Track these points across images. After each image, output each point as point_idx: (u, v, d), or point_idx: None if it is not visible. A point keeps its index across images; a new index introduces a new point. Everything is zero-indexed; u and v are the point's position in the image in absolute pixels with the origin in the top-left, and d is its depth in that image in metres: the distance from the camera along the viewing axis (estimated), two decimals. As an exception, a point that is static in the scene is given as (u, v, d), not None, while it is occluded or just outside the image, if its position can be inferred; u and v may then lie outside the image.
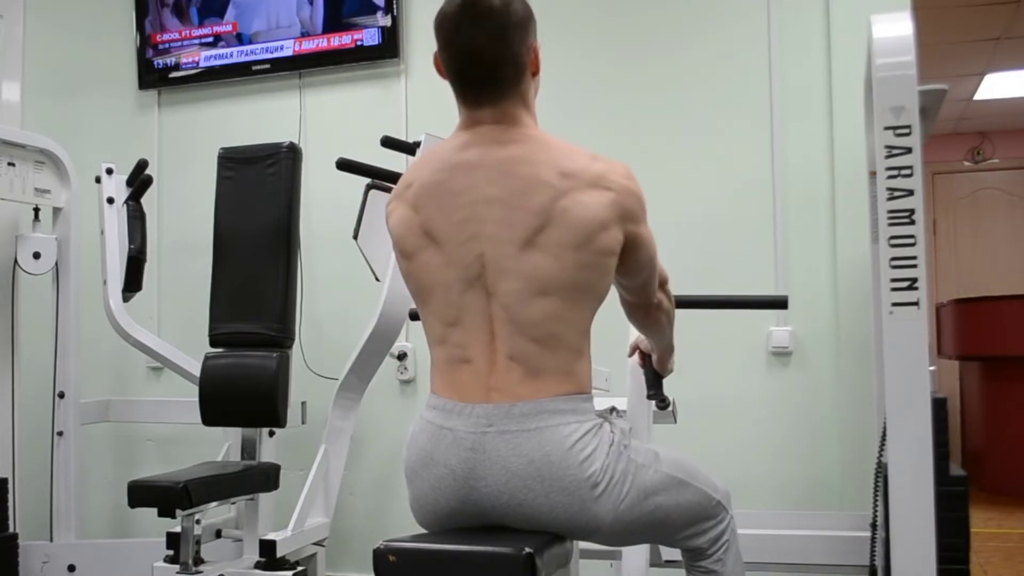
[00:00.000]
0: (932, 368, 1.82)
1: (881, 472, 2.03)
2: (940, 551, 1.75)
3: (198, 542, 2.58)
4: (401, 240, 1.54)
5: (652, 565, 2.15)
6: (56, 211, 3.10)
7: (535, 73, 1.56)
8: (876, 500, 2.06)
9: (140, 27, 3.62)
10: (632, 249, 1.52)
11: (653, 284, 1.63)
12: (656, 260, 1.61)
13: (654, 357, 1.86)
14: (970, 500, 1.87)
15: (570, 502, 1.43)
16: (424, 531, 1.55)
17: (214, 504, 2.57)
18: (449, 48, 1.50)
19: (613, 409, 1.59)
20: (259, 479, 2.69)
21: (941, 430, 1.81)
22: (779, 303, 1.93)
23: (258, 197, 2.88)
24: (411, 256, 1.53)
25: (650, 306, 1.66)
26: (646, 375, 1.88)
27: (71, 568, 2.96)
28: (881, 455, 2.05)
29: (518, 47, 1.50)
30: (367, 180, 2.76)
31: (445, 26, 1.49)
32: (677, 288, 1.74)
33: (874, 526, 2.09)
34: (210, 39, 3.54)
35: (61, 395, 3.05)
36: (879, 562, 2.06)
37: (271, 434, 2.88)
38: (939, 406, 1.81)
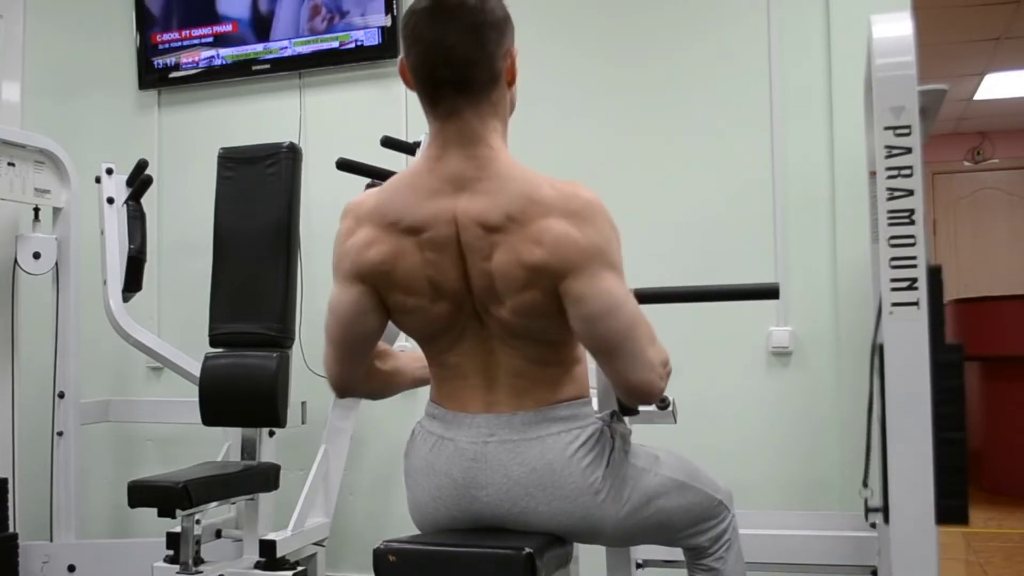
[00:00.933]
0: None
1: (877, 352, 1.99)
2: (937, 420, 1.75)
3: (198, 542, 2.58)
4: (386, 275, 1.42)
5: (651, 565, 2.16)
6: (56, 211, 3.10)
7: (511, 83, 1.44)
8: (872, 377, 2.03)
9: (140, 27, 3.62)
10: (575, 306, 1.34)
11: (631, 361, 1.36)
12: (635, 325, 1.36)
13: None
14: (964, 369, 1.85)
15: (572, 509, 1.43)
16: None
17: (214, 504, 2.57)
18: (416, 46, 1.37)
19: (614, 413, 1.59)
20: (259, 479, 2.69)
21: (936, 300, 1.79)
22: (770, 291, 1.89)
23: (258, 197, 2.88)
24: (400, 293, 1.44)
25: (636, 390, 1.39)
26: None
27: (71, 568, 2.96)
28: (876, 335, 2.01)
29: (493, 48, 1.37)
30: (367, 180, 2.76)
31: (413, 23, 1.37)
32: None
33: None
34: (210, 39, 3.54)
35: (61, 395, 3.05)
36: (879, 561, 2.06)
37: (271, 434, 2.88)
38: (934, 273, 1.80)
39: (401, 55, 1.42)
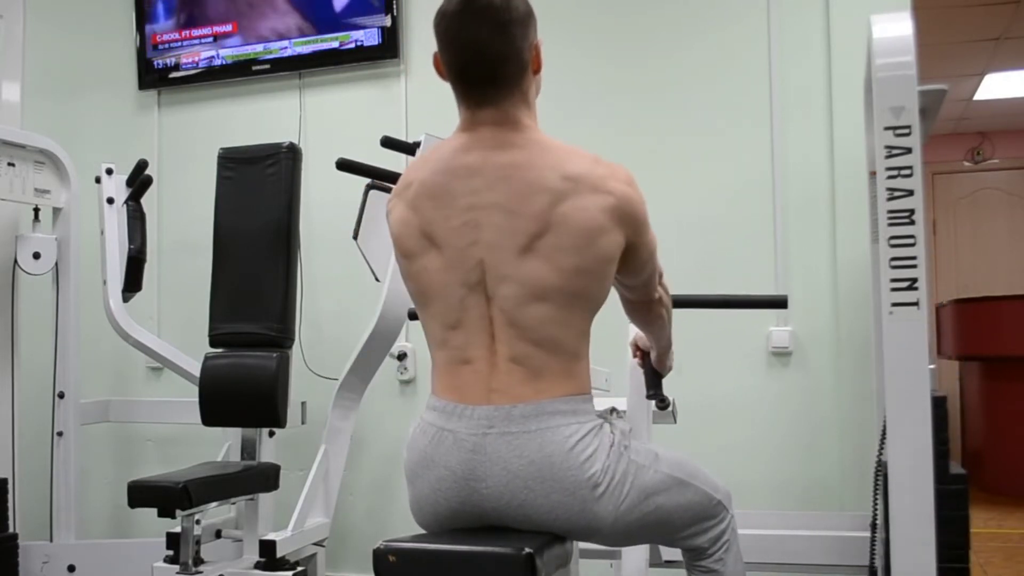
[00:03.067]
0: (932, 367, 1.82)
1: (881, 471, 2.03)
2: (940, 549, 1.75)
3: (198, 542, 2.58)
4: (400, 240, 1.53)
5: (652, 565, 2.15)
6: (56, 211, 3.10)
7: (537, 71, 1.55)
8: (876, 499, 2.06)
9: (140, 27, 3.62)
10: (633, 253, 1.52)
11: (654, 281, 1.64)
12: (656, 259, 1.61)
13: (653, 355, 1.86)
14: (970, 499, 1.87)
15: (571, 503, 1.43)
16: (424, 531, 1.55)
17: (214, 504, 2.57)
18: (451, 46, 1.48)
19: (613, 410, 1.59)
20: (259, 479, 2.69)
21: (941, 428, 1.81)
22: (779, 303, 1.92)
23: (258, 197, 2.88)
24: (411, 258, 1.52)
25: (651, 302, 1.67)
26: (645, 374, 1.88)
27: (71, 568, 2.96)
28: (881, 454, 2.05)
29: (520, 43, 1.49)
30: (367, 180, 2.76)
31: (445, 24, 1.47)
32: (676, 288, 1.75)
33: (874, 526, 2.09)
34: (210, 39, 3.54)
35: (61, 395, 3.05)
36: (879, 562, 2.06)
37: (271, 434, 2.88)
38: (939, 404, 1.81)
39: (434, 49, 1.51)
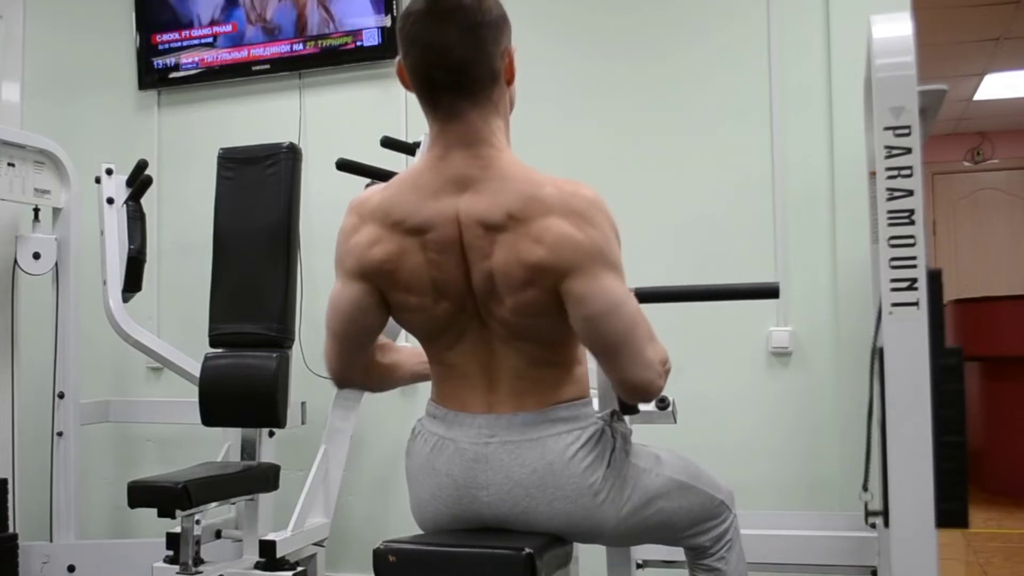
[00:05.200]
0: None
1: (877, 355, 1.99)
2: (936, 423, 1.76)
3: (198, 542, 2.58)
4: (393, 274, 1.43)
5: (651, 565, 2.16)
6: (56, 211, 3.10)
7: (510, 81, 1.43)
8: (872, 384, 2.03)
9: (140, 27, 3.62)
10: (575, 305, 1.34)
11: (631, 360, 1.37)
12: (635, 324, 1.37)
13: None
14: (964, 373, 1.85)
15: (573, 510, 1.43)
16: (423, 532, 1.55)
17: (214, 504, 2.57)
18: (414, 48, 1.36)
19: (614, 413, 1.58)
20: (259, 479, 2.69)
21: (936, 304, 1.80)
22: (770, 291, 1.89)
23: (258, 197, 2.88)
24: (407, 293, 1.44)
25: (636, 389, 1.41)
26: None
27: (71, 568, 2.96)
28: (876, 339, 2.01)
29: (491, 48, 1.36)
30: (367, 180, 2.75)
31: (409, 25, 1.35)
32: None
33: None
34: (210, 39, 3.54)
35: (61, 395, 3.05)
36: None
37: (271, 434, 2.88)
38: (934, 278, 1.80)
39: (399, 57, 1.41)
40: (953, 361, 1.81)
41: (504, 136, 1.44)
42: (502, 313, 1.40)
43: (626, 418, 1.64)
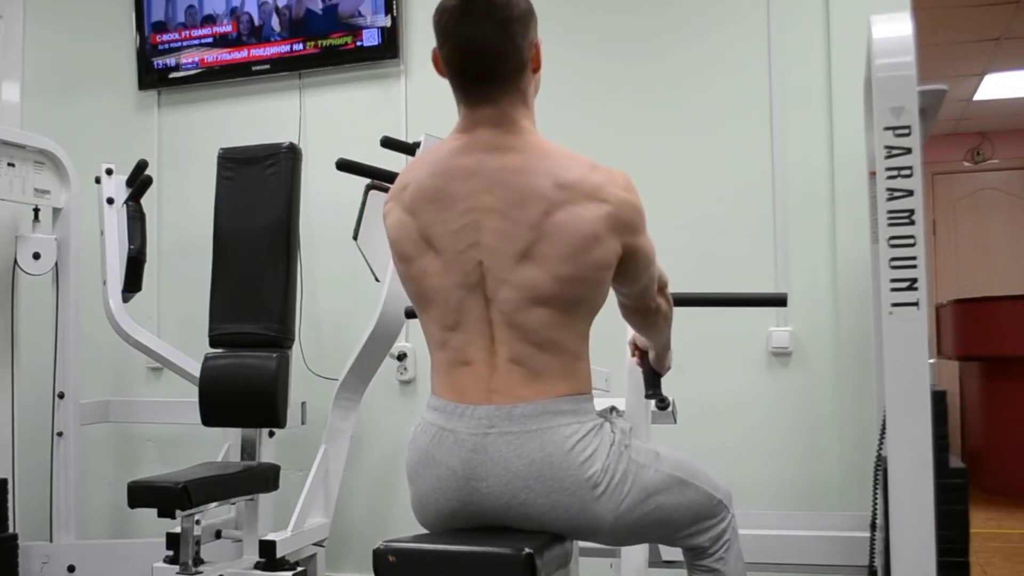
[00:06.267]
0: (932, 360, 1.82)
1: (881, 466, 2.03)
2: (940, 543, 1.75)
3: (198, 542, 2.58)
4: (398, 243, 1.52)
5: (651, 565, 2.16)
6: (56, 211, 3.10)
7: (536, 69, 1.53)
8: (876, 495, 2.06)
9: (140, 27, 3.62)
10: (629, 260, 1.50)
11: (652, 289, 1.61)
12: (655, 267, 1.58)
13: (651, 355, 1.85)
14: (970, 497, 1.87)
15: (571, 502, 1.43)
16: (424, 531, 1.55)
17: (214, 505, 2.57)
18: (449, 42, 1.46)
19: (613, 409, 1.59)
20: (259, 479, 2.69)
21: (941, 423, 1.81)
22: (778, 300, 1.92)
23: (258, 197, 2.88)
24: (409, 261, 1.51)
25: (648, 310, 1.64)
26: (644, 373, 1.86)
27: (71, 568, 2.96)
28: (880, 449, 2.05)
29: (520, 41, 1.47)
30: (367, 180, 2.75)
31: (445, 19, 1.46)
32: (676, 288, 1.74)
33: (874, 525, 2.09)
34: (210, 39, 3.54)
35: (61, 395, 3.05)
36: (879, 560, 2.06)
37: (271, 434, 2.88)
38: (938, 399, 1.81)
39: (434, 47, 1.50)
40: (958, 482, 1.82)
41: (531, 121, 1.53)
42: (508, 295, 1.43)
43: (625, 416, 1.65)
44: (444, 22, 1.46)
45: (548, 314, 1.44)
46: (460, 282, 1.46)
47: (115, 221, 3.08)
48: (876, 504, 2.07)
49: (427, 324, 1.54)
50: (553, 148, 1.49)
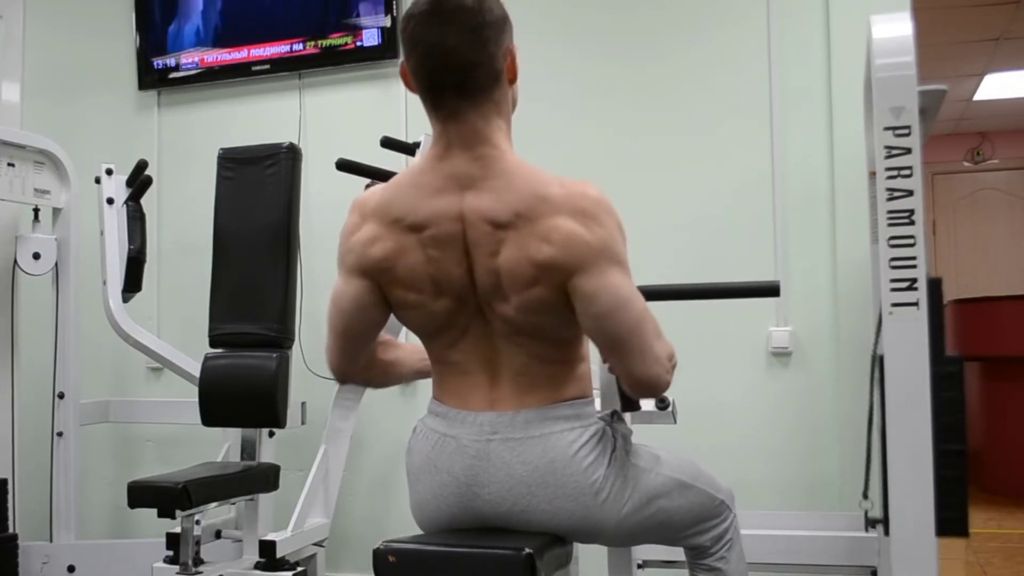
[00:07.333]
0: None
1: (877, 362, 2.00)
2: (937, 431, 1.76)
3: (198, 542, 2.58)
4: (393, 272, 1.44)
5: (651, 565, 2.16)
6: (56, 211, 3.10)
7: (512, 80, 1.43)
8: (872, 391, 2.04)
9: (140, 27, 3.62)
10: (584, 303, 1.35)
11: (639, 356, 1.39)
12: (642, 320, 1.38)
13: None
14: (964, 381, 1.86)
15: (574, 508, 1.43)
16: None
17: (214, 505, 2.57)
18: (416, 50, 1.37)
19: (615, 413, 1.58)
20: (259, 479, 2.69)
21: (936, 313, 1.81)
22: (771, 290, 1.89)
23: (258, 197, 2.88)
24: (407, 290, 1.45)
25: (644, 384, 1.43)
26: (620, 392, 1.65)
27: (71, 568, 2.96)
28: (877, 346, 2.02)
29: (493, 48, 1.37)
30: (367, 180, 2.75)
31: (411, 27, 1.36)
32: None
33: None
34: (210, 39, 3.53)
35: (61, 395, 3.05)
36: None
37: (271, 434, 2.88)
38: (934, 286, 1.80)
39: (401, 58, 1.43)
40: (953, 369, 1.82)
41: (506, 136, 1.44)
42: (506, 311, 1.41)
43: (626, 418, 1.64)
44: (411, 29, 1.36)
45: (544, 327, 1.42)
46: (456, 306, 1.44)
47: (115, 221, 3.08)
48: (872, 401, 2.04)
49: (425, 343, 1.54)
50: (520, 173, 1.39)
